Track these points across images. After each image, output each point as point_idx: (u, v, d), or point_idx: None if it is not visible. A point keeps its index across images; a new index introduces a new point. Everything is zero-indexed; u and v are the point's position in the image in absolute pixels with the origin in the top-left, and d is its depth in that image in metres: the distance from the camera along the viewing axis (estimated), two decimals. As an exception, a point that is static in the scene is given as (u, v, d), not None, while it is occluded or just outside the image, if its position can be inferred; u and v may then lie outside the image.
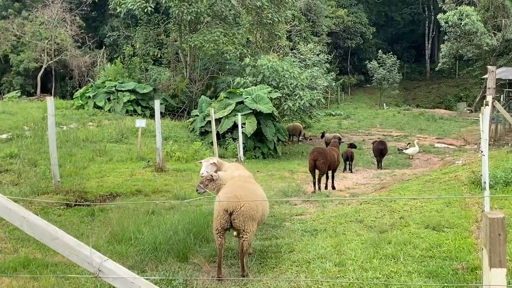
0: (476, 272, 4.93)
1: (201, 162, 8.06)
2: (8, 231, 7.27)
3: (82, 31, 38.15)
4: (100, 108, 24.41)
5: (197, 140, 19.66)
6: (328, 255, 5.82)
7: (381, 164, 18.05)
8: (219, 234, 5.40)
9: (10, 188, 9.77)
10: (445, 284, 4.72)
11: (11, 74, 37.77)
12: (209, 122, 18.08)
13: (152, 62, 32.04)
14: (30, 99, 31.10)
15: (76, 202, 8.93)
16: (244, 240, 5.37)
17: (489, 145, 8.26)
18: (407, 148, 21.27)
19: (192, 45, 26.29)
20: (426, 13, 57.49)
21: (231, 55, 26.72)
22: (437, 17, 39.16)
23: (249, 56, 25.66)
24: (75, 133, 17.41)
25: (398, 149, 22.42)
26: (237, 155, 17.35)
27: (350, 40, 51.54)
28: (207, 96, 24.14)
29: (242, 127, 18.06)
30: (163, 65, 32.18)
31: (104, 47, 39.81)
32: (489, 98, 9.84)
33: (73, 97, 27.32)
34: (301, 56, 31.41)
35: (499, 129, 24.92)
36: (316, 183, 11.63)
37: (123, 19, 34.61)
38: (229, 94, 21.96)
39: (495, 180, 8.29)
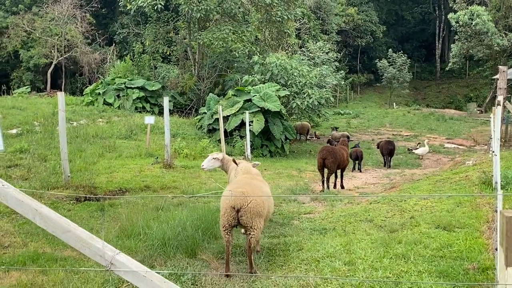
0: (487, 273, 4.87)
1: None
2: (18, 225, 7.32)
3: (92, 27, 38.30)
4: (109, 104, 24.54)
5: (204, 137, 19.69)
6: (337, 254, 5.79)
7: (390, 164, 18.00)
8: (226, 231, 5.39)
9: (20, 183, 9.83)
10: (456, 284, 4.68)
11: (21, 70, 38.01)
12: (217, 119, 18.09)
13: (161, 59, 32.16)
14: (40, 94, 31.27)
15: (86, 196, 8.96)
16: (251, 237, 5.36)
17: (500, 145, 8.16)
18: (417, 148, 21.14)
19: (201, 43, 26.33)
20: (437, 13, 57.13)
21: (239, 52, 26.72)
22: (448, 17, 38.83)
23: (258, 54, 25.63)
24: (85, 129, 17.52)
25: (408, 149, 22.29)
26: (244, 153, 17.33)
27: (360, 38, 51.29)
28: (215, 94, 24.16)
29: (249, 125, 18.04)
30: (172, 63, 32.27)
31: (114, 44, 39.96)
32: (500, 98, 9.77)
33: (83, 93, 27.49)
34: (310, 54, 31.29)
35: (510, 130, 24.70)
36: (325, 181, 11.58)
37: (133, 16, 34.64)
38: (237, 92, 21.94)
39: (506, 180, 8.20)
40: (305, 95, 22.69)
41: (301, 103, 22.45)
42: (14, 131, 16.06)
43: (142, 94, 25.32)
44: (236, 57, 27.83)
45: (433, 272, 5.01)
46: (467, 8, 37.11)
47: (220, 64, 28.35)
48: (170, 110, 17.89)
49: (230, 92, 22.39)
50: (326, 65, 29.38)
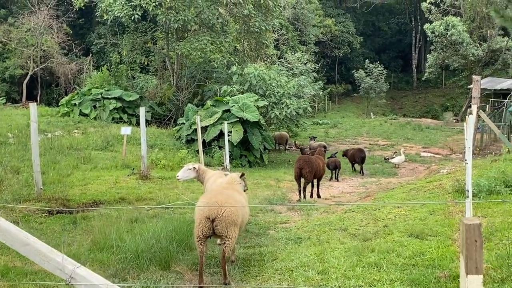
0: (458, 281, 4.92)
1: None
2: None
3: (69, 38, 37.85)
4: (86, 115, 24.22)
5: (183, 148, 19.57)
6: (311, 263, 5.80)
7: (363, 171, 18.67)
8: (200, 242, 5.38)
9: (-9, 196, 9.60)
10: (427, 292, 4.72)
11: (-4, 81, 37.30)
12: (195, 130, 18.01)
13: (139, 70, 31.91)
14: (15, 106, 30.76)
15: (58, 209, 8.80)
16: (226, 246, 5.35)
17: (474, 154, 8.32)
18: (393, 157, 21.38)
19: (179, 53, 26.27)
20: (413, 23, 58.15)
21: (218, 63, 26.74)
22: (424, 27, 39.55)
23: (236, 64, 25.69)
24: (59, 141, 17.24)
25: (385, 158, 22.51)
26: (223, 163, 17.27)
27: (337, 49, 51.84)
28: (193, 104, 24.06)
29: (228, 135, 17.98)
30: (150, 73, 32.06)
31: (90, 55, 39.55)
32: (473, 107, 9.94)
33: (59, 104, 27.09)
34: (289, 65, 31.47)
35: (485, 139, 25.21)
36: (302, 191, 11.64)
37: (110, 26, 34.50)
38: (215, 102, 21.91)
39: (478, 188, 8.33)
40: (283, 105, 22.78)
41: (279, 113, 22.52)
42: (-14, 143, 15.72)
43: (119, 104, 25.05)
44: (214, 68, 27.83)
45: (405, 280, 5.05)
46: (443, 19, 37.88)
47: (199, 75, 28.30)
48: (148, 120, 17.76)
49: (209, 102, 22.33)
50: (304, 75, 29.55)
